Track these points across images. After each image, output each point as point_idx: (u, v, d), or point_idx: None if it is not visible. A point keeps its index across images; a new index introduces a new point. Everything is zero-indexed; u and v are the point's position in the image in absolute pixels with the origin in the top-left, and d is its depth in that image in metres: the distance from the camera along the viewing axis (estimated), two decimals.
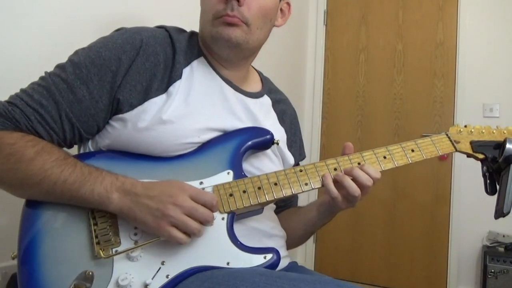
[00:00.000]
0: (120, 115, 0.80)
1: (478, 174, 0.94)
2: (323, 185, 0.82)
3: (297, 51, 2.92)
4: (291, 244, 1.01)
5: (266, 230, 0.89)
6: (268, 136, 0.87)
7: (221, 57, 0.90)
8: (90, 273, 0.71)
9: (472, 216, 2.61)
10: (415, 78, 2.80)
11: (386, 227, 2.83)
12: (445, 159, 2.69)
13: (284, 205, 1.07)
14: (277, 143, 0.89)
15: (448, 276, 2.69)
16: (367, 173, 0.82)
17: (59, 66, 0.80)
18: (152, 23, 0.93)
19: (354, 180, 0.82)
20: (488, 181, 0.91)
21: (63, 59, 0.82)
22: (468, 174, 2.57)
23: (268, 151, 0.91)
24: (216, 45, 0.88)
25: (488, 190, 0.91)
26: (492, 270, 2.33)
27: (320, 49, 3.02)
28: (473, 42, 2.69)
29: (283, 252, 0.92)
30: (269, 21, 0.90)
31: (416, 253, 2.77)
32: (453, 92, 2.72)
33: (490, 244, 2.53)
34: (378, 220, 2.84)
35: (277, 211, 1.03)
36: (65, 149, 0.81)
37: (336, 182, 0.82)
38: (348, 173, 0.82)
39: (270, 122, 0.97)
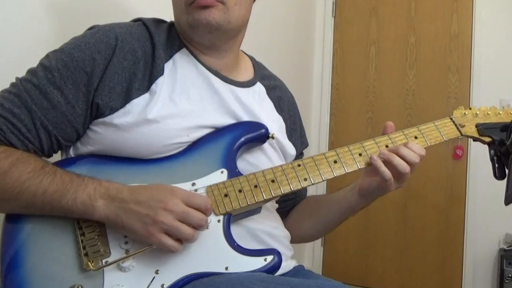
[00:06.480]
0: (101, 119, 0.77)
1: None
2: (330, 177, 0.82)
3: (304, 44, 2.90)
4: (315, 235, 1.04)
5: (267, 231, 0.86)
6: (262, 130, 0.85)
7: (204, 45, 0.86)
8: (79, 287, 0.69)
9: (488, 218, 2.59)
10: (428, 72, 2.78)
11: (397, 229, 2.82)
12: (459, 158, 2.68)
13: (294, 197, 1.04)
14: (273, 137, 0.86)
15: (463, 281, 2.66)
16: (413, 151, 0.83)
17: (30, 71, 0.77)
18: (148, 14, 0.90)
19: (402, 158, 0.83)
20: (496, 165, 0.90)
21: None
22: (484, 173, 2.51)
23: (264, 145, 0.88)
24: (196, 33, 0.84)
25: (497, 175, 0.89)
26: (509, 275, 2.33)
27: (328, 42, 2.99)
28: (490, 35, 2.65)
29: (287, 253, 0.90)
30: None
31: (429, 256, 2.74)
32: (468, 87, 2.70)
33: (507, 247, 2.50)
34: (389, 222, 2.83)
35: (288, 205, 1.03)
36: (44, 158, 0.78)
37: (384, 162, 0.82)
38: (394, 151, 0.83)
39: (266, 111, 0.94)
